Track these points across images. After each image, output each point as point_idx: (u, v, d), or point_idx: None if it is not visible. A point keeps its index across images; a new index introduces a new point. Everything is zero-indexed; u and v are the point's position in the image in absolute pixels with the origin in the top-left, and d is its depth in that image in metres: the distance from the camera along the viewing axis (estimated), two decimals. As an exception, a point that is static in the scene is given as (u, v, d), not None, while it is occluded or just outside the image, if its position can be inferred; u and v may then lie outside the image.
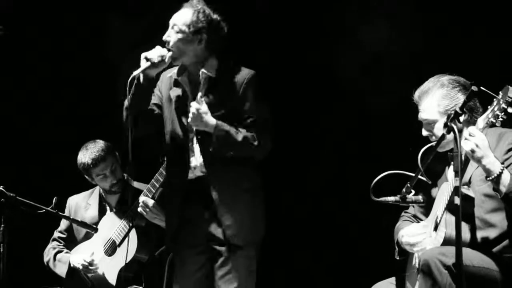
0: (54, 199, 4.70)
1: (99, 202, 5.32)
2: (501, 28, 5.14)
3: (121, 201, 5.24)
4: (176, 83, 4.41)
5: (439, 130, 3.93)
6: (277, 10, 5.81)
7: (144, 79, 4.28)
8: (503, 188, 3.71)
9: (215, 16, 4.33)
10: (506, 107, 3.63)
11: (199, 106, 4.17)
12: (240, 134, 4.24)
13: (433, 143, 3.91)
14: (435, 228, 3.96)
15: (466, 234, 3.85)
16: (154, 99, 4.43)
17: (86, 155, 5.20)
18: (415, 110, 4.10)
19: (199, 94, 4.21)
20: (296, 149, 5.84)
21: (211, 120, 4.20)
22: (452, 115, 3.58)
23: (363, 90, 5.59)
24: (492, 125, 3.72)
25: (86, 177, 5.29)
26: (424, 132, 4.08)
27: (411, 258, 4.13)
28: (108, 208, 5.30)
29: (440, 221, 3.92)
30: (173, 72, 4.42)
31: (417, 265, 3.94)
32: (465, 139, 3.69)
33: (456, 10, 5.27)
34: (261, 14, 5.83)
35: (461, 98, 3.90)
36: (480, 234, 3.88)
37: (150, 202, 4.84)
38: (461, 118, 3.59)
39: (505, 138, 3.92)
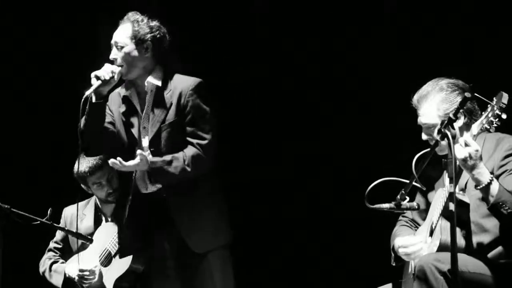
0: (49, 210, 4.70)
1: (95, 212, 5.30)
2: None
3: (116, 211, 5.23)
4: (124, 100, 4.45)
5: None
6: (277, 10, 5.82)
7: (97, 98, 4.31)
8: (491, 198, 3.72)
9: (153, 23, 4.37)
10: (500, 113, 3.64)
11: (145, 154, 4.23)
12: (177, 165, 4.27)
13: (427, 150, 3.90)
14: (431, 234, 3.96)
15: (461, 240, 3.85)
16: (108, 118, 4.45)
17: (83, 163, 5.19)
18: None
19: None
20: (294, 149, 5.85)
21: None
22: (445, 121, 3.59)
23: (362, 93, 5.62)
24: (487, 131, 3.72)
25: (83, 186, 5.28)
26: (424, 136, 4.06)
27: (407, 265, 4.13)
28: (103, 218, 5.29)
29: (435, 227, 3.92)
30: (120, 89, 4.48)
31: (412, 271, 3.94)
32: (460, 145, 3.69)
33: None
34: (260, 14, 5.86)
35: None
36: (475, 239, 3.88)
37: None
38: (459, 122, 3.60)
39: (503, 144, 3.92)
